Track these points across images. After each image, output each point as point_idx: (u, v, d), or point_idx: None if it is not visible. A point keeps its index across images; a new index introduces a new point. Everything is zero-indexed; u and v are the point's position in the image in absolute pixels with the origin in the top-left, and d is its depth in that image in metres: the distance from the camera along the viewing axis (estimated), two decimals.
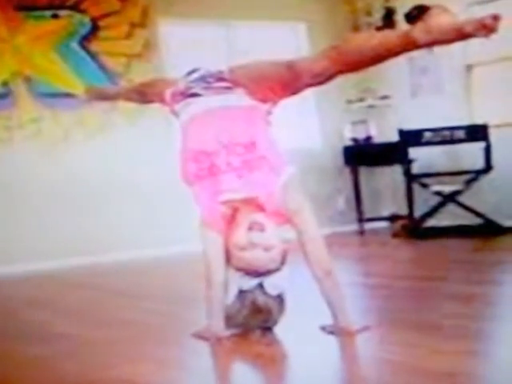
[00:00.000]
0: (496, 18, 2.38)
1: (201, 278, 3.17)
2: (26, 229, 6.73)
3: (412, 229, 7.08)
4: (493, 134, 6.77)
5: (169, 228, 7.20)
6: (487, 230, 6.71)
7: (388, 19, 7.98)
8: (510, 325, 3.03)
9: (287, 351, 2.95)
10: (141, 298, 4.62)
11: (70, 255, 6.77)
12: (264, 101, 3.11)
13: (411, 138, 7.03)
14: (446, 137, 6.93)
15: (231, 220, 3.07)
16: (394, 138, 7.24)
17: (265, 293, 3.04)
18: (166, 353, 2.97)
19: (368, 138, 8.09)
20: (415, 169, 7.14)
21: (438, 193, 6.95)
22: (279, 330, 3.11)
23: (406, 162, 7.04)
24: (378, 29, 7.83)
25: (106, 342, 3.28)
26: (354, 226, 8.09)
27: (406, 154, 7.04)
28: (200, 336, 3.11)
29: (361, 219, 8.02)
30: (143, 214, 7.17)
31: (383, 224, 8.27)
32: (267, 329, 3.10)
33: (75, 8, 7.00)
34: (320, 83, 2.96)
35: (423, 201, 7.19)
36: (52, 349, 3.22)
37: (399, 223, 7.67)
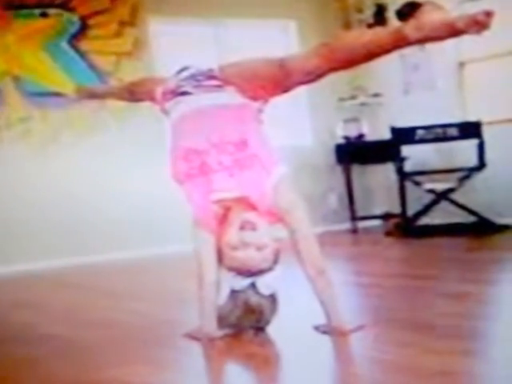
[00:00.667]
0: (488, 14, 2.36)
1: (192, 278, 3.14)
2: (15, 229, 6.69)
3: (405, 227, 7.07)
4: (486, 131, 6.75)
5: (160, 228, 7.17)
6: (481, 228, 6.70)
7: (379, 16, 7.97)
8: (504, 324, 3.01)
9: (280, 351, 2.94)
10: (131, 298, 4.60)
11: (59, 256, 6.74)
12: (255, 99, 3.09)
13: (403, 135, 7.02)
14: (438, 134, 6.92)
15: (223, 219, 3.05)
16: (387, 135, 7.23)
17: (257, 293, 3.02)
18: (159, 354, 2.94)
19: (360, 136, 8.08)
20: (408, 167, 7.12)
21: (430, 191, 6.94)
22: (272, 330, 3.09)
23: (399, 160, 7.03)
24: (370, 26, 7.82)
25: (97, 344, 3.25)
26: (347, 225, 8.08)
27: (398, 151, 7.02)
28: (192, 336, 3.10)
29: (353, 218, 8.00)
30: (134, 214, 7.14)
31: (376, 222, 8.26)
32: (260, 329, 3.08)
33: (64, 6, 6.97)
34: (311, 81, 2.95)
35: (416, 199, 7.18)
36: (41, 350, 3.20)
37: (392, 222, 7.67)
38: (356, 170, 8.30)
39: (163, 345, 3.12)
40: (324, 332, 2.97)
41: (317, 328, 3.02)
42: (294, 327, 3.17)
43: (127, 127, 7.15)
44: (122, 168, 7.13)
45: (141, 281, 5.51)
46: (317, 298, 3.01)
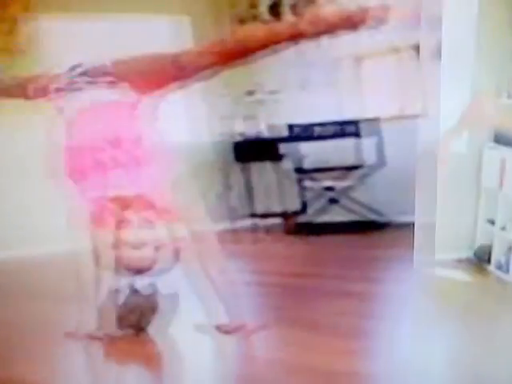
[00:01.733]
0: (385, 8, 2.37)
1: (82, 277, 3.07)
2: None
3: (305, 225, 7.10)
4: (384, 128, 6.83)
5: (35, 228, 6.98)
6: (380, 226, 6.77)
7: (274, 11, 7.98)
8: (401, 323, 3.05)
9: (179, 351, 2.91)
10: (21, 296, 4.45)
11: None
12: (150, 95, 3.04)
13: (301, 132, 7.05)
14: (336, 131, 6.98)
15: (120, 217, 2.99)
16: (284, 132, 7.24)
17: (137, 291, 3.01)
18: (43, 352, 2.87)
19: (258, 134, 8.07)
20: (307, 164, 7.15)
21: (329, 188, 6.99)
22: (173, 329, 3.06)
23: (297, 158, 7.05)
24: (265, 21, 7.83)
25: None
26: (247, 223, 8.06)
27: (296, 149, 7.04)
28: (73, 335, 3.04)
29: (253, 215, 7.99)
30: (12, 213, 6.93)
31: (276, 220, 8.27)
32: (141, 329, 3.05)
33: None
34: (206, 76, 2.92)
35: (316, 196, 7.21)
36: None
37: (292, 219, 7.69)
38: (255, 167, 8.29)
39: (49, 343, 3.05)
40: (226, 332, 2.95)
41: (218, 328, 2.99)
42: (193, 327, 3.13)
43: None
44: None
45: (28, 280, 5.33)
46: (218, 297, 2.98)
